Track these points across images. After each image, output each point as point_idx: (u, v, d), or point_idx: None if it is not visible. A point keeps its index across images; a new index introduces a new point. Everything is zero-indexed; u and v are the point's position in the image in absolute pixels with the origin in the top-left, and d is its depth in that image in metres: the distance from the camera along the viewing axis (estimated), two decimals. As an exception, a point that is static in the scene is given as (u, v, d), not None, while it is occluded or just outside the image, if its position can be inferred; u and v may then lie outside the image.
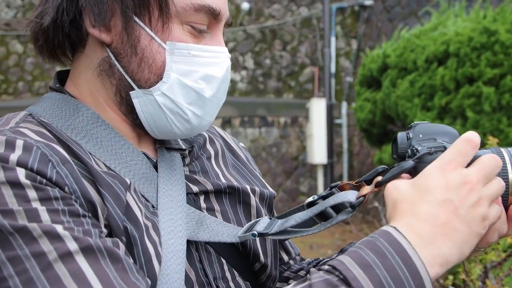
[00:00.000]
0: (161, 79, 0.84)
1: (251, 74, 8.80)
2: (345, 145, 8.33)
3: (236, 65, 8.66)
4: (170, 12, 0.83)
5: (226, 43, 0.92)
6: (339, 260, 0.68)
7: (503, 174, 0.76)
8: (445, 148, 0.76)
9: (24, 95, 9.04)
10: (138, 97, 0.86)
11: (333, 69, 8.36)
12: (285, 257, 1.10)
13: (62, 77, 0.94)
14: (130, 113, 0.88)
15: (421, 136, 0.81)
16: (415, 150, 0.78)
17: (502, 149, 0.79)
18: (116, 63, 0.86)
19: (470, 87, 4.32)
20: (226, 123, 8.33)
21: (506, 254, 1.83)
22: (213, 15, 0.86)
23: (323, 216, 0.85)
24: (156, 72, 0.84)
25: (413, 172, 0.76)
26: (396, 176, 0.76)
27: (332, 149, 7.93)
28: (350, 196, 0.80)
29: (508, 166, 0.77)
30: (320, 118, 7.74)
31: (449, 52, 4.45)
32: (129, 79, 0.85)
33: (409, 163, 0.76)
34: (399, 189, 0.74)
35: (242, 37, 8.78)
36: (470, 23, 4.55)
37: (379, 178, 0.78)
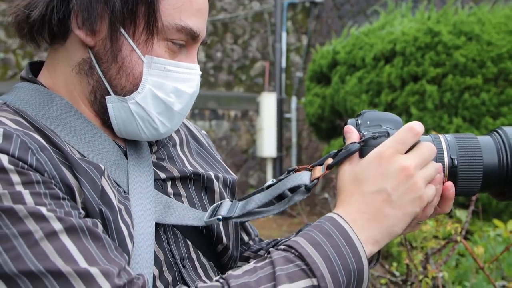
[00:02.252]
0: (136, 89, 0.90)
1: (202, 66, 8.80)
2: (294, 139, 8.48)
3: (187, 57, 8.63)
4: (155, 28, 0.89)
5: None
6: (294, 240, 0.80)
7: (439, 158, 0.86)
8: (388, 133, 0.86)
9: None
10: (112, 102, 0.91)
11: (283, 64, 8.47)
12: (246, 238, 1.18)
13: (33, 68, 0.97)
14: (102, 113, 0.93)
15: (368, 122, 0.90)
16: (361, 135, 0.87)
17: (440, 136, 0.89)
18: (97, 66, 0.90)
19: (414, 85, 4.49)
20: (176, 115, 8.30)
21: (445, 241, 1.97)
22: (192, 36, 0.92)
23: (281, 199, 0.93)
24: (132, 82, 0.90)
25: (361, 153, 0.86)
26: (344, 159, 0.86)
27: (282, 143, 8.05)
28: (304, 178, 0.88)
29: (444, 151, 0.87)
30: (270, 112, 7.83)
31: (396, 50, 4.61)
32: (106, 84, 0.91)
33: (355, 146, 0.85)
34: (343, 178, 0.85)
35: (194, 30, 8.76)
36: (416, 23, 4.73)
37: (330, 160, 0.87)
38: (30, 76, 0.94)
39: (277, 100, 7.92)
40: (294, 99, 8.51)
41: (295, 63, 8.81)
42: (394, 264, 2.11)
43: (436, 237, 1.94)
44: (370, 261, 0.96)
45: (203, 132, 1.20)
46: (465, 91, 4.35)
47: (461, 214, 2.23)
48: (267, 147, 7.80)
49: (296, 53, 8.85)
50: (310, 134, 8.05)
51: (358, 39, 5.14)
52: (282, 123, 8.04)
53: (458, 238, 1.83)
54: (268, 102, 7.85)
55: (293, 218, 6.61)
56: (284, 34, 8.56)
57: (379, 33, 4.96)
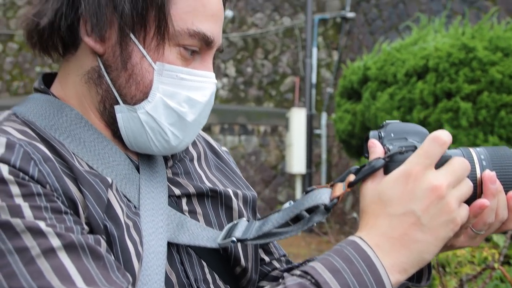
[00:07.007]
0: (146, 97, 0.86)
1: (232, 81, 8.81)
2: (324, 156, 8.38)
3: (217, 72, 8.66)
4: (166, 33, 0.84)
5: None
6: (311, 266, 0.73)
7: (471, 173, 0.78)
8: (415, 147, 0.78)
9: (2, 94, 8.91)
10: (122, 112, 0.87)
11: (314, 79, 8.41)
12: (266, 258, 1.10)
13: (47, 80, 0.94)
14: (111, 124, 0.89)
15: (392, 135, 0.82)
16: (386, 149, 0.79)
17: (471, 149, 0.80)
18: (105, 74, 0.86)
19: (448, 102, 4.37)
20: (206, 130, 8.32)
21: (481, 268, 1.86)
22: (206, 42, 0.87)
23: (299, 220, 0.86)
24: (142, 90, 0.86)
25: (386, 170, 0.77)
26: (368, 176, 0.78)
27: (311, 159, 7.96)
28: (324, 197, 0.81)
29: (476, 166, 0.79)
30: (300, 128, 7.77)
31: (429, 66, 4.50)
32: (115, 93, 0.86)
33: (380, 161, 0.77)
34: (366, 198, 0.78)
35: (225, 45, 8.79)
36: (449, 39, 4.62)
37: (352, 177, 0.80)
38: (42, 87, 0.91)
39: (307, 116, 7.86)
40: (324, 115, 8.43)
41: (325, 78, 8.74)
42: (426, 289, 2.00)
43: (471, 262, 1.83)
44: (420, 280, 0.88)
45: (224, 149, 1.14)
46: (502, 108, 4.21)
47: (499, 239, 2.11)
48: (297, 163, 7.73)
49: (327, 68, 8.78)
50: (340, 150, 7.94)
51: (389, 54, 5.04)
52: (311, 139, 7.96)
53: (496, 265, 1.72)
54: (298, 117, 7.79)
55: (322, 236, 6.49)
56: (314, 50, 8.52)
57: (411, 49, 4.86)
